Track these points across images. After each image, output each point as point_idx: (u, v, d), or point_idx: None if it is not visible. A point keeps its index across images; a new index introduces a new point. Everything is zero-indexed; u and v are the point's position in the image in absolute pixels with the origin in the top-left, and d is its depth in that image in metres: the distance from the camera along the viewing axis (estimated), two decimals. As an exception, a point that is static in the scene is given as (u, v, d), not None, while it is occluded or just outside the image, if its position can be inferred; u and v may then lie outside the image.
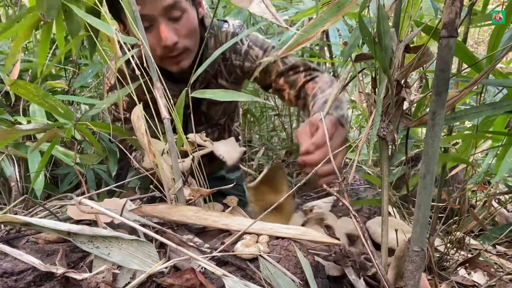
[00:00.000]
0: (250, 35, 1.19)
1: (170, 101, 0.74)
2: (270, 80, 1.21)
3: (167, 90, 0.74)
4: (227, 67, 1.22)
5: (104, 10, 0.74)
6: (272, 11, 0.52)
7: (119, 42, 0.68)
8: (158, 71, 1.16)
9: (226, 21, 1.21)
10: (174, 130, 0.76)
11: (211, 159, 1.00)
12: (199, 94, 0.75)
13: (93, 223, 0.73)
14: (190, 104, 1.24)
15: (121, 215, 0.66)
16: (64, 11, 0.87)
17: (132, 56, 0.69)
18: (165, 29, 0.96)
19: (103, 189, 0.91)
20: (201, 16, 1.13)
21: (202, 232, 0.80)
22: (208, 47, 1.17)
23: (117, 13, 1.00)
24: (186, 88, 0.76)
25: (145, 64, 0.72)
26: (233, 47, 1.18)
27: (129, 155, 0.95)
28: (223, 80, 1.26)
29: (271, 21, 0.53)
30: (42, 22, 0.83)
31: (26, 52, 1.92)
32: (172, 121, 0.73)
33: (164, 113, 0.73)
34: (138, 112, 0.75)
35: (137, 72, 0.69)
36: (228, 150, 0.98)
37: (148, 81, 0.72)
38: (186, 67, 1.08)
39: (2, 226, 0.78)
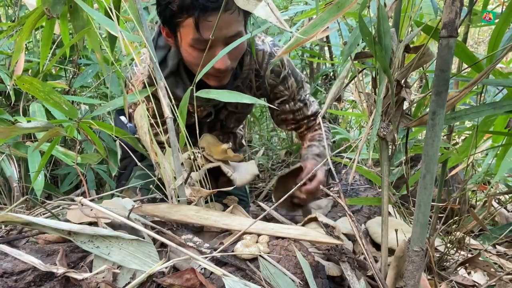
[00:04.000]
0: (286, 61, 1.28)
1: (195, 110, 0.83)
2: (295, 119, 1.34)
3: (195, 100, 0.77)
4: (258, 82, 1.28)
5: (110, 6, 0.74)
6: (276, 15, 0.52)
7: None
8: (186, 80, 1.19)
9: (258, 37, 1.27)
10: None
11: (218, 176, 1.05)
12: (204, 94, 0.76)
13: (93, 223, 0.73)
14: (213, 113, 1.28)
15: (127, 218, 0.66)
16: (69, 7, 0.87)
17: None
18: (222, 56, 1.00)
19: (107, 193, 0.91)
20: None
21: (202, 231, 0.80)
22: (243, 64, 1.21)
23: (172, 26, 1.04)
24: (191, 87, 0.76)
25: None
26: (270, 67, 1.25)
27: (132, 155, 0.95)
28: (251, 94, 1.32)
29: (275, 24, 0.53)
30: (47, 17, 0.83)
31: (26, 52, 1.92)
32: (191, 126, 0.74)
33: (167, 112, 0.73)
34: (141, 111, 0.76)
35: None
36: (241, 170, 1.04)
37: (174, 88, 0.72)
38: (226, 83, 1.16)
39: (3, 226, 0.78)
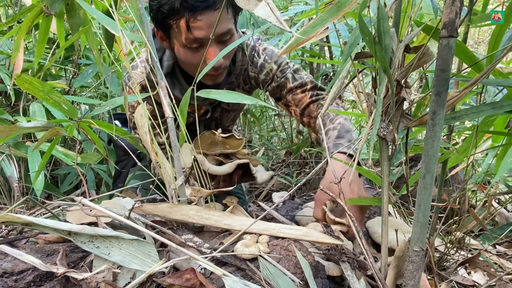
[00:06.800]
0: (267, 49, 1.29)
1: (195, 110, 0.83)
2: (281, 95, 1.31)
3: (195, 100, 0.78)
4: (244, 77, 1.31)
5: (110, 5, 0.74)
6: (276, 15, 0.53)
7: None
8: (183, 80, 1.20)
9: (244, 32, 1.29)
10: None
11: (245, 173, 1.05)
12: (205, 94, 0.76)
13: (93, 223, 0.73)
14: (210, 111, 1.30)
15: (128, 218, 0.66)
16: (67, 4, 0.87)
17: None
18: (214, 53, 1.03)
19: (106, 193, 0.91)
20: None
21: (202, 231, 0.80)
22: (235, 61, 1.24)
23: (165, 29, 1.06)
24: (192, 87, 0.76)
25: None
26: (251, 60, 1.28)
27: (132, 155, 0.95)
28: (240, 89, 1.34)
29: (275, 24, 0.53)
30: (45, 15, 0.83)
31: (26, 52, 1.92)
32: (191, 123, 0.74)
33: (168, 112, 0.73)
34: (141, 111, 0.76)
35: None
36: (260, 170, 1.07)
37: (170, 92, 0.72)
38: (221, 81, 1.18)
39: (3, 226, 0.78)
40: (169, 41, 1.10)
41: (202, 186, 0.85)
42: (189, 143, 0.84)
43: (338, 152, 1.01)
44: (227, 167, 0.96)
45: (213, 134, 1.03)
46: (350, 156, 1.00)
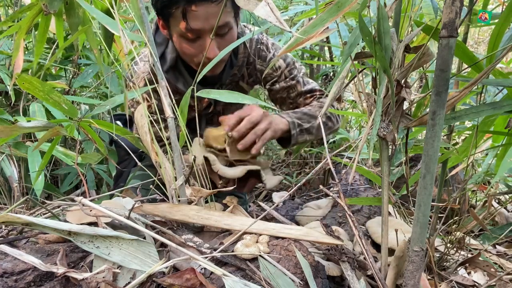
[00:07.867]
0: (275, 45, 1.32)
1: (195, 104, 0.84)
2: (288, 96, 1.33)
3: (195, 95, 0.78)
4: (249, 70, 1.32)
5: (111, 5, 0.74)
6: (276, 15, 0.53)
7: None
8: (185, 73, 1.22)
9: (245, 26, 1.31)
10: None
11: (253, 176, 1.07)
12: (205, 94, 0.76)
13: (93, 223, 0.73)
14: (213, 104, 1.31)
15: (128, 218, 0.66)
16: (66, 3, 0.88)
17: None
18: (212, 45, 1.05)
19: (106, 193, 0.91)
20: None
21: (202, 231, 0.80)
22: (237, 53, 1.25)
23: (165, 17, 1.08)
24: (192, 87, 0.77)
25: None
26: (258, 53, 1.29)
27: (132, 155, 0.95)
28: (244, 82, 1.35)
29: (275, 24, 0.53)
30: (43, 13, 0.84)
31: (26, 52, 1.92)
32: (190, 120, 0.74)
33: (168, 112, 0.73)
34: (141, 111, 0.76)
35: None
36: (269, 175, 1.08)
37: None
38: (219, 72, 1.21)
39: (3, 226, 0.78)
40: (169, 29, 1.11)
41: (202, 186, 0.85)
42: (189, 143, 0.84)
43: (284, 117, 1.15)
44: (238, 172, 0.96)
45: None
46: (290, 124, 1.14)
